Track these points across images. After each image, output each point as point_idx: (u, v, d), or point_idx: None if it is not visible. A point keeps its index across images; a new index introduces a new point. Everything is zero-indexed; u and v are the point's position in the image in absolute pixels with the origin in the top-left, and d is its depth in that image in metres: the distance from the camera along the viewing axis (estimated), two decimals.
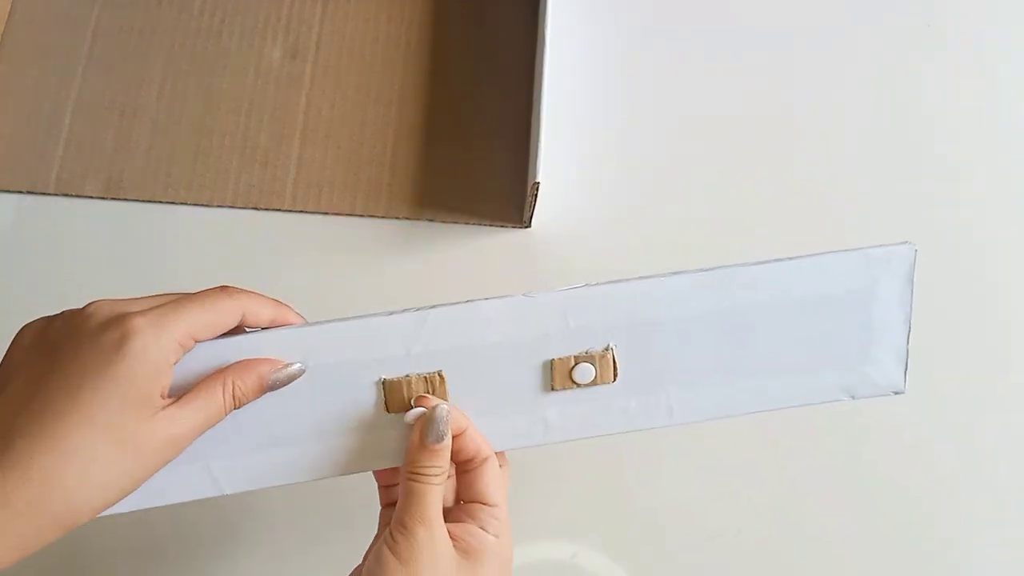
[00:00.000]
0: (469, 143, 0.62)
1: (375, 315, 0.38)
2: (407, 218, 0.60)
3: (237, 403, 0.36)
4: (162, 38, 0.65)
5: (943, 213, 0.61)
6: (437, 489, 0.37)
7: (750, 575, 0.54)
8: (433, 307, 0.38)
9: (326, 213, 0.61)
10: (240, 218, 0.60)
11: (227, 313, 0.35)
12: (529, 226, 0.60)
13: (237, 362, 0.37)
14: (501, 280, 0.59)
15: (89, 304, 0.34)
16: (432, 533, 0.36)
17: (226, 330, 0.36)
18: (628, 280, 0.38)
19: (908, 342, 0.39)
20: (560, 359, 0.39)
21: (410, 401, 0.39)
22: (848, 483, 0.55)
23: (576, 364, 0.39)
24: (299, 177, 0.61)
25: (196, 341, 0.35)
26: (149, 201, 0.61)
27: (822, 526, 0.55)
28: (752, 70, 0.65)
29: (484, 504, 0.39)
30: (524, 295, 0.38)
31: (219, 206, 0.61)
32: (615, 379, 0.39)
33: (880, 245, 0.38)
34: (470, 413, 0.39)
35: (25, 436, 0.30)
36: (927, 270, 0.40)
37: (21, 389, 0.32)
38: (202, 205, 0.61)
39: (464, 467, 0.40)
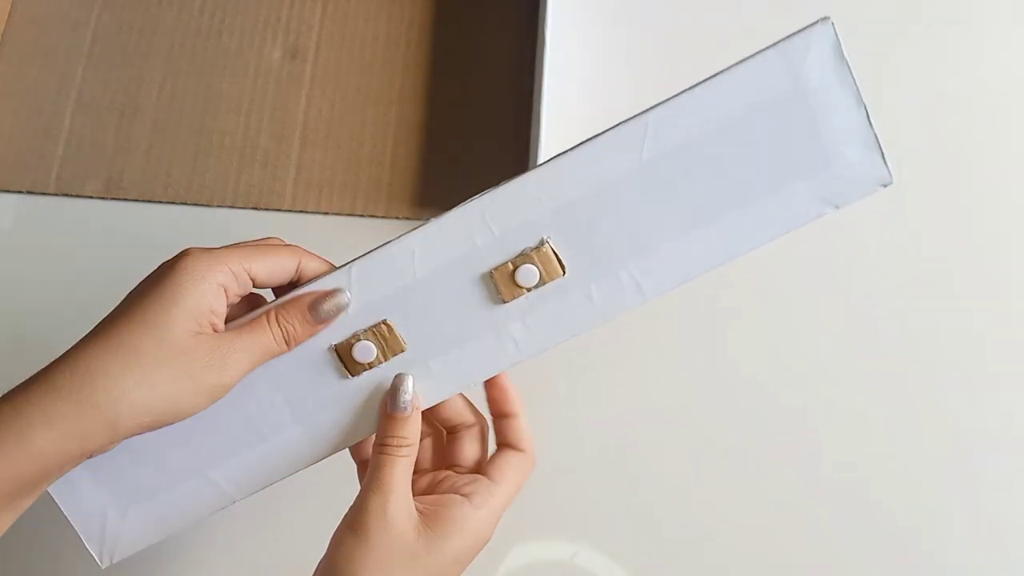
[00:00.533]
0: (469, 143, 0.62)
1: (304, 286, 0.37)
2: (407, 218, 0.60)
3: (286, 333, 0.36)
4: (162, 38, 0.65)
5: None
6: (401, 460, 0.37)
7: (749, 574, 0.54)
8: (353, 260, 0.37)
9: (326, 213, 0.61)
10: (240, 218, 0.60)
11: (284, 256, 0.36)
12: None
13: (278, 300, 0.37)
14: None
15: None
16: (386, 501, 0.35)
17: (284, 273, 0.37)
18: (535, 168, 0.36)
19: (871, 125, 0.35)
20: (497, 268, 0.37)
21: (366, 363, 0.38)
22: (848, 483, 0.55)
23: (516, 268, 0.37)
24: (299, 177, 0.61)
25: (252, 277, 0.35)
26: (149, 201, 0.61)
27: (822, 526, 0.55)
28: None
29: (485, 477, 0.39)
30: (433, 218, 0.37)
31: (219, 206, 0.61)
32: (564, 272, 0.37)
33: (790, 34, 0.35)
34: (432, 351, 0.38)
35: (84, 340, 0.33)
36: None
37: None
38: (202, 205, 0.61)
39: (450, 432, 0.41)
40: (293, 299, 0.37)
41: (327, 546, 0.36)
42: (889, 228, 0.59)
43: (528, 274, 0.36)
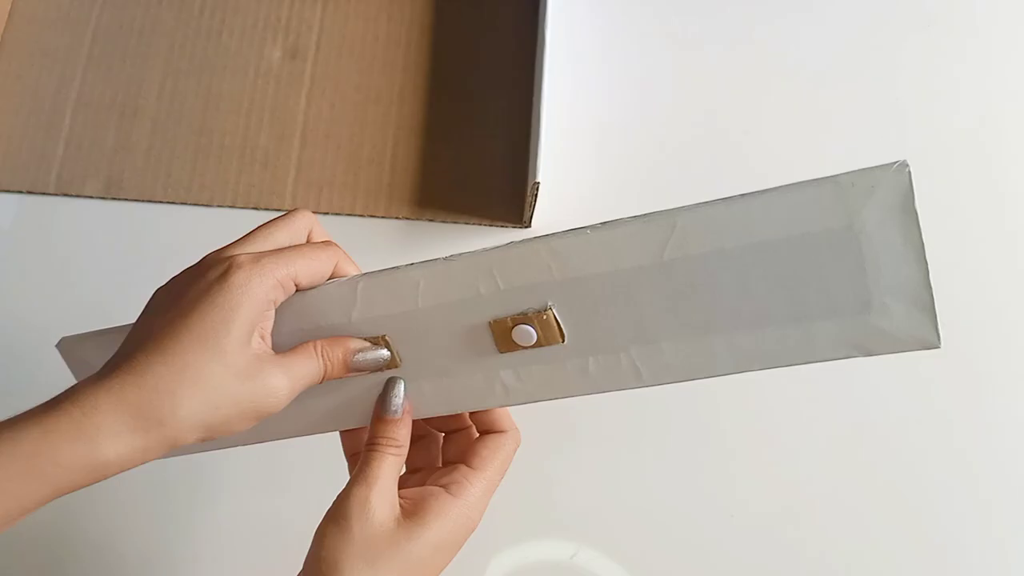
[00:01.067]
0: (469, 143, 0.62)
1: (314, 288, 0.38)
2: (407, 218, 0.60)
3: (327, 370, 0.37)
4: (162, 38, 0.65)
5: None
6: (389, 458, 0.37)
7: (749, 574, 0.54)
8: (363, 275, 0.38)
9: (326, 213, 0.61)
10: (240, 218, 0.60)
11: (324, 261, 0.37)
12: (529, 226, 0.60)
13: (326, 338, 0.38)
14: None
15: (205, 256, 0.37)
16: (368, 492, 0.36)
17: (323, 278, 0.37)
18: (552, 235, 0.35)
19: (929, 285, 0.32)
20: (497, 321, 0.36)
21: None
22: (848, 483, 0.55)
23: (514, 326, 0.36)
24: (299, 177, 0.61)
25: (296, 284, 0.36)
26: (149, 201, 0.61)
27: (821, 526, 0.55)
28: (757, 64, 0.65)
29: (464, 465, 0.39)
30: (444, 258, 0.37)
31: (219, 206, 0.61)
32: (563, 340, 0.36)
33: (855, 170, 0.31)
34: (424, 373, 0.39)
35: (145, 351, 0.33)
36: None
37: (146, 322, 0.35)
38: (202, 205, 0.61)
39: (445, 434, 0.42)
40: (339, 340, 0.38)
41: (311, 541, 0.37)
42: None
43: (525, 335, 0.36)
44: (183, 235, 0.60)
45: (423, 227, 0.61)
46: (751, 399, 0.57)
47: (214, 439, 0.34)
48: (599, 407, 0.57)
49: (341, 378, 0.38)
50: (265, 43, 0.65)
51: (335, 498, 0.37)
